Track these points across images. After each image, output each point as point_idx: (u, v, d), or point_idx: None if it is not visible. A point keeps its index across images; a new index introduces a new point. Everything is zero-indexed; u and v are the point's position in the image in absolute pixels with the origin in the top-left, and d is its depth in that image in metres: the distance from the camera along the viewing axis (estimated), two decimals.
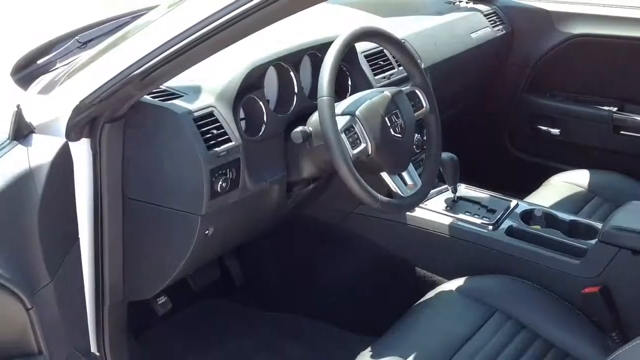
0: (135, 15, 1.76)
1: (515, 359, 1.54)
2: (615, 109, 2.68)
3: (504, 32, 2.79)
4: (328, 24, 2.19)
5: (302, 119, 1.69)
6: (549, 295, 1.75)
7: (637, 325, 1.61)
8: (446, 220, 1.96)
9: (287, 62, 1.73)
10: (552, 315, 1.67)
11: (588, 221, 1.94)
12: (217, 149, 1.46)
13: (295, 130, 1.59)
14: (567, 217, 1.96)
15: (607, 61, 2.70)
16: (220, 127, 1.49)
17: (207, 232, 1.54)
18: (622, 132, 2.68)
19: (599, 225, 1.83)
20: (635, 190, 2.23)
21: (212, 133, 1.47)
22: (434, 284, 1.88)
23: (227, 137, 1.49)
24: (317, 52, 1.80)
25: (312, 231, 2.18)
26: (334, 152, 1.49)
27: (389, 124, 1.63)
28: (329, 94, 1.50)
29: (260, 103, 1.64)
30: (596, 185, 2.28)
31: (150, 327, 2.13)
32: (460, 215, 1.97)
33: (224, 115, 1.51)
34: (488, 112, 2.99)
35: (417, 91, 1.78)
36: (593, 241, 1.79)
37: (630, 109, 2.68)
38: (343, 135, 1.54)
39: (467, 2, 2.82)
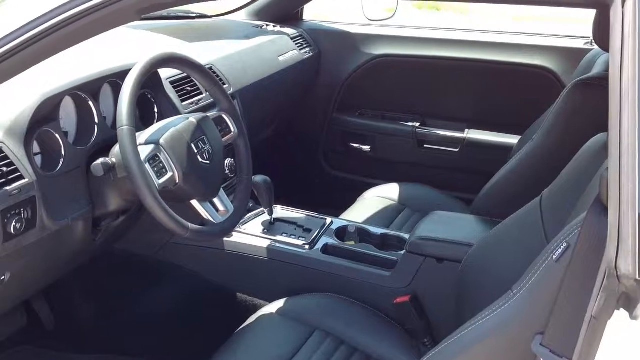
0: None
1: None
2: (417, 124, 2.85)
3: (312, 54, 2.87)
4: (130, 50, 2.12)
5: (106, 150, 1.61)
6: (364, 309, 1.80)
7: (445, 330, 1.68)
8: (264, 243, 1.96)
9: (85, 92, 1.65)
10: (368, 328, 1.72)
11: (397, 233, 2.03)
12: (7, 187, 1.35)
13: (95, 162, 1.51)
14: (379, 230, 2.04)
15: (409, 79, 2.88)
16: (11, 163, 1.38)
17: (2, 278, 1.42)
18: (425, 145, 2.85)
19: (407, 236, 1.91)
20: (439, 200, 2.37)
21: (2, 171, 1.36)
22: (256, 308, 1.86)
23: (19, 174, 1.38)
24: (117, 79, 1.73)
25: (126, 265, 2.09)
26: (138, 183, 1.43)
27: (196, 151, 1.60)
28: (128, 123, 1.44)
29: (57, 136, 1.54)
30: (405, 198, 2.40)
31: None
32: (278, 237, 1.98)
33: (14, 151, 1.40)
34: (302, 132, 3.06)
35: (224, 116, 1.77)
36: (402, 252, 1.87)
37: (431, 124, 2.87)
38: (147, 165, 1.49)
39: (274, 26, 2.86)
